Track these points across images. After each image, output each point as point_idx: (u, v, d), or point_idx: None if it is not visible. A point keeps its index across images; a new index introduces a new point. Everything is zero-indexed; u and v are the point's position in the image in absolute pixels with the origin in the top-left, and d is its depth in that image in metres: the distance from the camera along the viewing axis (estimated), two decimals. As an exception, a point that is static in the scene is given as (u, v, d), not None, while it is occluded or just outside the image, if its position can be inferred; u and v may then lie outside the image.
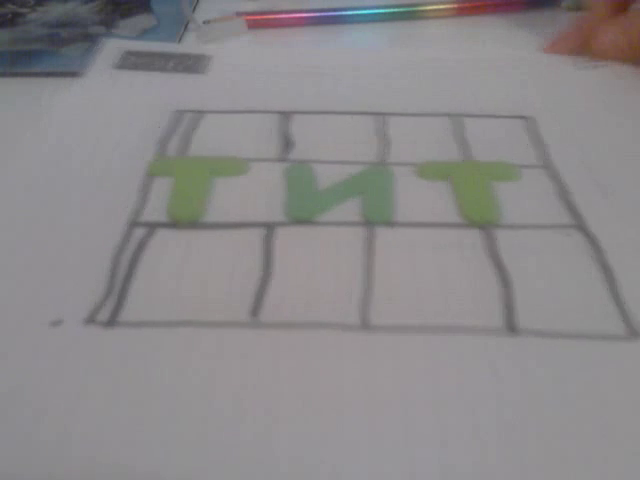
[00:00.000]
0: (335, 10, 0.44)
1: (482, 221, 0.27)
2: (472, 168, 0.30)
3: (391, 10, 0.45)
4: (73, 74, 0.38)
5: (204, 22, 0.43)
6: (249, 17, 0.44)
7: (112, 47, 0.40)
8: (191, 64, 0.38)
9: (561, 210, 0.28)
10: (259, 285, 0.24)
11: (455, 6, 0.45)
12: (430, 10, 0.45)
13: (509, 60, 0.39)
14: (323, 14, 0.44)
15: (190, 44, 0.42)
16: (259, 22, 0.44)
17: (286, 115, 0.34)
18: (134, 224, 0.27)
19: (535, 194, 0.29)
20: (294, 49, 0.41)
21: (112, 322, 0.23)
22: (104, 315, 0.23)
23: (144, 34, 0.43)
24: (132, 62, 0.38)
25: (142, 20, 0.45)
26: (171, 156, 0.31)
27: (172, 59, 0.39)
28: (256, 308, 0.23)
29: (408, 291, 0.24)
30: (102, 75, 0.37)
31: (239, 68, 0.38)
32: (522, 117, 0.34)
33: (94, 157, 0.31)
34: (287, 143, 0.32)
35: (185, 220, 0.27)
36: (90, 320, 0.23)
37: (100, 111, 0.34)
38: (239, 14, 0.44)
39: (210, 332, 0.22)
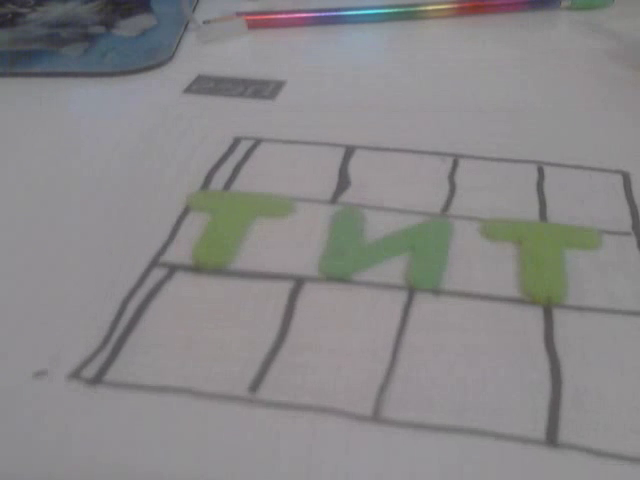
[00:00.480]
0: (335, 10, 0.44)
1: (545, 299, 0.23)
2: (545, 231, 0.26)
3: (391, 10, 0.44)
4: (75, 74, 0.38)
5: (204, 22, 0.43)
6: (249, 17, 0.44)
7: (183, 70, 0.38)
8: (260, 89, 0.36)
9: None
10: (267, 354, 0.21)
11: (455, 6, 0.45)
12: (430, 10, 0.45)
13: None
14: (323, 14, 0.44)
15: (262, 69, 0.39)
16: (259, 22, 0.44)
17: (347, 150, 0.31)
18: (154, 264, 0.25)
19: (616, 267, 0.24)
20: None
21: (96, 380, 0.20)
22: (90, 371, 0.21)
23: (144, 34, 0.43)
24: (201, 87, 0.37)
25: (142, 20, 0.45)
26: (213, 190, 0.28)
27: (241, 84, 0.37)
28: (256, 382, 0.20)
29: (439, 379, 0.20)
30: (168, 99, 0.36)
31: (310, 95, 0.36)
32: (619, 172, 0.29)
33: (139, 186, 0.29)
34: (343, 182, 0.29)
35: (209, 266, 0.24)
36: (74, 375, 0.21)
37: (156, 139, 0.32)
38: (239, 14, 0.44)
39: (202, 405, 0.20)
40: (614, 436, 0.19)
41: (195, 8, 0.47)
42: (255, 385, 0.20)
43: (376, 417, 0.19)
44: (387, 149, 0.31)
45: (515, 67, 0.38)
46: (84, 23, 0.44)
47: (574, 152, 0.31)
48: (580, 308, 0.23)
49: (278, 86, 0.37)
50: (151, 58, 0.40)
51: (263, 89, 0.36)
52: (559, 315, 0.22)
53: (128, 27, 0.44)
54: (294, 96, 0.36)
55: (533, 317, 0.22)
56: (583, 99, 0.35)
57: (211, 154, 0.31)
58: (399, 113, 0.34)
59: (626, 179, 0.29)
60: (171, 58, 0.40)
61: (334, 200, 0.28)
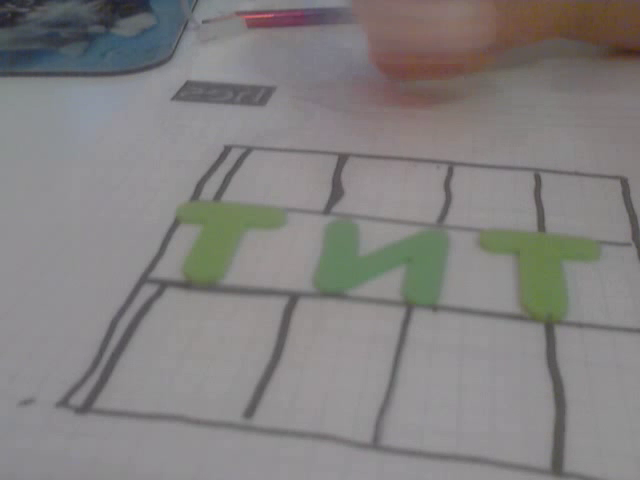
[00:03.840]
0: (335, 10, 0.44)
1: (545, 315, 0.22)
2: (544, 243, 0.25)
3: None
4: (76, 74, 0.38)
5: (203, 21, 0.43)
6: (248, 16, 0.44)
7: (171, 77, 0.38)
8: (250, 95, 0.36)
9: None
10: (262, 375, 0.20)
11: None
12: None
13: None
14: (322, 13, 0.44)
15: (256, 71, 0.39)
16: (258, 21, 0.44)
17: (339, 157, 0.30)
18: (144, 280, 0.24)
19: (616, 281, 0.24)
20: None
21: (85, 409, 0.19)
22: (79, 398, 0.20)
23: (143, 33, 0.43)
24: (189, 93, 0.36)
25: (141, 19, 0.45)
26: (203, 201, 0.28)
27: (231, 90, 0.36)
28: (251, 408, 0.19)
29: (438, 403, 0.20)
30: (156, 106, 0.35)
31: (300, 101, 0.35)
32: (617, 178, 0.29)
33: (127, 198, 0.28)
34: (336, 191, 0.28)
35: (200, 281, 0.24)
36: (63, 403, 0.20)
37: (145, 147, 0.32)
38: (238, 13, 0.44)
39: (196, 432, 0.19)
40: (619, 463, 0.18)
41: (194, 7, 0.47)
42: (250, 410, 0.19)
43: (375, 444, 0.18)
44: (380, 156, 0.31)
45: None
46: (84, 23, 0.44)
47: (571, 158, 0.30)
48: (580, 325, 0.22)
49: (268, 92, 0.36)
50: (150, 58, 0.40)
51: (253, 95, 0.36)
52: (560, 333, 0.22)
53: (127, 27, 0.44)
54: (285, 102, 0.35)
55: (534, 335, 0.22)
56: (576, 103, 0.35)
57: (201, 163, 0.30)
58: (393, 119, 0.33)
59: (624, 185, 0.28)
60: (170, 58, 0.40)
61: (328, 210, 0.27)
